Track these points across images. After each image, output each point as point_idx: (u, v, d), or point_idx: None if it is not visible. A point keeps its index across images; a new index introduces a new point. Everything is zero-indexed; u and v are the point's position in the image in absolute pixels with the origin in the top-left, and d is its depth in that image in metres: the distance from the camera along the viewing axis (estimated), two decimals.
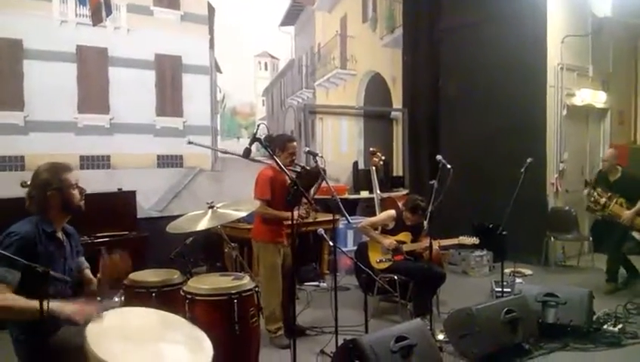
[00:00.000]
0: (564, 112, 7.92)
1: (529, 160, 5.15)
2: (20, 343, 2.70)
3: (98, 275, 3.01)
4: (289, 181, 3.95)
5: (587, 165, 8.67)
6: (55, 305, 2.44)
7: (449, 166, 4.69)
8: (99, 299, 2.91)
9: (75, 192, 2.83)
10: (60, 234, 2.85)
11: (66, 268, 2.82)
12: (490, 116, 8.06)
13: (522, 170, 5.10)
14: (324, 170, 4.50)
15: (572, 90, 8.12)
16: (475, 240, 5.11)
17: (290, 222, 4.06)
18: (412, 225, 5.31)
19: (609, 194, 5.98)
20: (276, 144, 4.60)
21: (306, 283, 6.56)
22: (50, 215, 2.79)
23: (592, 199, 6.03)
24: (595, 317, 4.75)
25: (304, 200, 4.32)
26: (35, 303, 2.26)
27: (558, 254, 7.76)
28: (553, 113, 7.78)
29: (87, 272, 3.08)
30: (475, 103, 8.30)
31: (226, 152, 6.81)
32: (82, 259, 3.09)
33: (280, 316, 4.69)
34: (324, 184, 4.66)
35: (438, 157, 4.82)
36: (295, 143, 4.73)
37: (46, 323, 2.48)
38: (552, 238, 7.43)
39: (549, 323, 4.61)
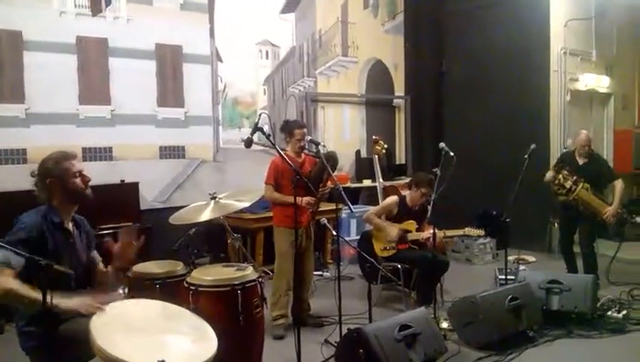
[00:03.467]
0: (568, 97, 7.88)
1: (532, 146, 5.10)
2: (25, 335, 2.71)
3: (109, 266, 2.99)
4: (292, 171, 3.94)
5: None
6: (60, 301, 2.44)
7: (452, 153, 4.65)
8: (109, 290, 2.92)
9: (77, 180, 2.81)
10: (69, 225, 2.85)
11: (73, 260, 2.81)
12: (492, 102, 8.02)
13: (526, 156, 5.06)
14: (336, 159, 4.58)
15: (575, 75, 8.07)
16: (480, 231, 5.09)
17: (310, 206, 4.42)
18: (416, 211, 5.29)
19: (574, 177, 5.48)
20: (286, 130, 4.79)
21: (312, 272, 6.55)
22: (55, 204, 2.79)
23: (557, 182, 5.53)
24: (599, 304, 4.74)
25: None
26: (38, 294, 2.27)
27: None
28: (556, 98, 7.74)
29: (101, 266, 3.07)
30: (478, 89, 8.25)
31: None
32: (95, 253, 3.07)
33: (285, 304, 4.72)
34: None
35: (441, 145, 4.77)
36: (302, 130, 4.78)
37: (51, 315, 2.50)
38: (556, 225, 7.40)
39: (553, 310, 4.60)
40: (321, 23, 8.29)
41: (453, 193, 4.83)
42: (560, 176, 5.50)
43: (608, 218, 5.48)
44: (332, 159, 4.78)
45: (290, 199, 4.50)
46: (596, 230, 5.82)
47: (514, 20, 7.73)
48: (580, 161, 5.70)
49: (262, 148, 5.90)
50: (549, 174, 5.65)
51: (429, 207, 5.16)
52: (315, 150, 4.48)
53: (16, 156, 5.67)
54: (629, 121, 9.48)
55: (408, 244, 5.25)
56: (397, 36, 8.96)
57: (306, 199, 4.50)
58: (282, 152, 3.84)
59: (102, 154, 6.18)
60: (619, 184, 5.61)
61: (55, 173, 2.76)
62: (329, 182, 4.72)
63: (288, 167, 4.59)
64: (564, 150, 6.52)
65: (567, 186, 5.49)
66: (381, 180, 6.44)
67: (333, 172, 4.69)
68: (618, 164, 8.61)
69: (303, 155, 4.83)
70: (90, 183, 2.89)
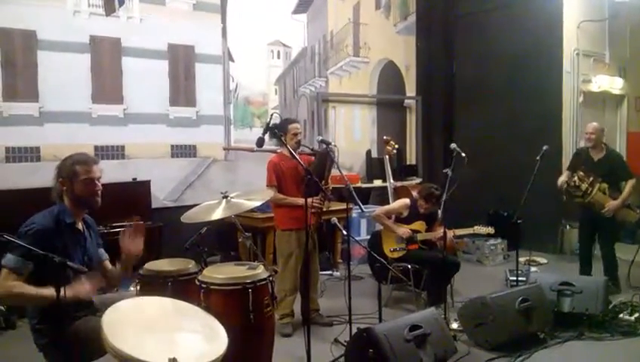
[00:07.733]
0: (581, 99, 7.83)
1: (545, 147, 5.09)
2: (38, 332, 2.74)
3: (117, 262, 3.02)
4: (301, 169, 3.92)
5: None
6: (69, 291, 2.46)
7: (463, 154, 4.63)
8: (116, 289, 2.94)
9: (83, 186, 2.80)
10: (79, 225, 2.88)
11: (84, 259, 2.84)
12: (505, 103, 7.99)
13: (538, 157, 5.04)
14: (333, 152, 4.48)
15: (588, 76, 8.02)
16: (490, 229, 5.07)
17: (312, 207, 4.16)
18: (426, 214, 5.28)
19: (591, 178, 5.40)
20: (280, 129, 4.57)
21: (319, 272, 6.56)
22: (67, 204, 2.82)
23: (572, 183, 5.46)
24: (610, 306, 4.70)
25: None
26: (47, 290, 2.33)
27: (574, 243, 7.67)
28: (569, 100, 7.69)
29: (107, 263, 3.10)
30: (490, 90, 8.22)
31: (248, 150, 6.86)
32: (102, 250, 3.11)
33: (289, 304, 4.74)
34: (337, 173, 4.66)
35: (453, 145, 4.74)
36: (297, 124, 4.72)
37: (63, 313, 2.53)
38: (568, 226, 7.36)
39: (564, 312, 4.57)
40: (332, 23, 8.29)
41: (464, 194, 4.81)
42: (575, 177, 5.46)
43: (607, 211, 5.42)
44: (327, 157, 4.59)
45: (300, 201, 4.53)
46: (616, 231, 5.76)
47: (526, 22, 7.69)
48: (595, 158, 5.64)
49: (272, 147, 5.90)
50: (562, 179, 5.61)
51: (440, 211, 5.14)
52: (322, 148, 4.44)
53: (30, 154, 5.72)
54: None
55: (418, 245, 5.25)
56: (408, 37, 8.94)
57: (312, 201, 4.40)
58: (286, 152, 3.82)
59: (114, 152, 6.23)
60: (630, 182, 5.55)
61: (64, 174, 2.80)
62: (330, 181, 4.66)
63: (290, 166, 4.61)
64: (580, 149, 6.48)
65: (583, 189, 5.44)
66: (392, 180, 6.43)
67: (330, 171, 4.65)
68: (631, 166, 8.47)
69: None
70: (103, 181, 2.89)
